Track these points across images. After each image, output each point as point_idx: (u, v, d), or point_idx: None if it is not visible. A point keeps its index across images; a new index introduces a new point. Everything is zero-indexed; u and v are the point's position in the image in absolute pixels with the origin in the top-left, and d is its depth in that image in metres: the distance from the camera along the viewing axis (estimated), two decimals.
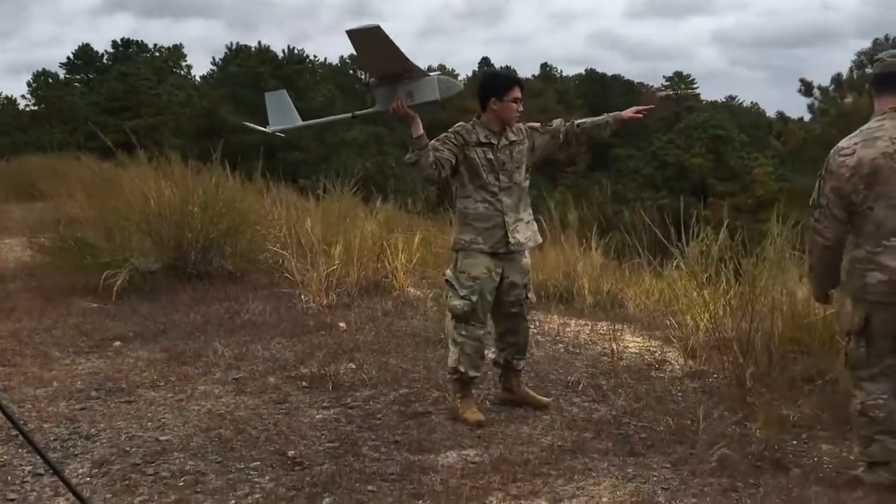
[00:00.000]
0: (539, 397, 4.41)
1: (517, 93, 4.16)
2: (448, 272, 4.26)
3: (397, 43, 4.14)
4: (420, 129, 4.06)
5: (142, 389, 4.64)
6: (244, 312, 6.42)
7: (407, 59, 4.20)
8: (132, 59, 52.00)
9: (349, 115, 4.99)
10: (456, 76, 59.13)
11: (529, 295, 4.32)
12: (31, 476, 3.39)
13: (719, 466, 3.49)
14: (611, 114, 4.42)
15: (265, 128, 4.81)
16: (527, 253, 4.32)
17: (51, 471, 2.57)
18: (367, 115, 4.70)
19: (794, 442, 3.83)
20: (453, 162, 4.10)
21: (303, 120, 4.93)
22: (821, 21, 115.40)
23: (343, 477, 3.39)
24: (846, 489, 3.31)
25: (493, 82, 4.25)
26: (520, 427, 4.07)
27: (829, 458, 3.65)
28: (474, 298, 4.12)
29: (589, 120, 4.41)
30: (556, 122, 4.41)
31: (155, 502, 3.18)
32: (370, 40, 4.21)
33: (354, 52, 4.16)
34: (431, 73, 4.36)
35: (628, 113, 4.42)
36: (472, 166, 4.12)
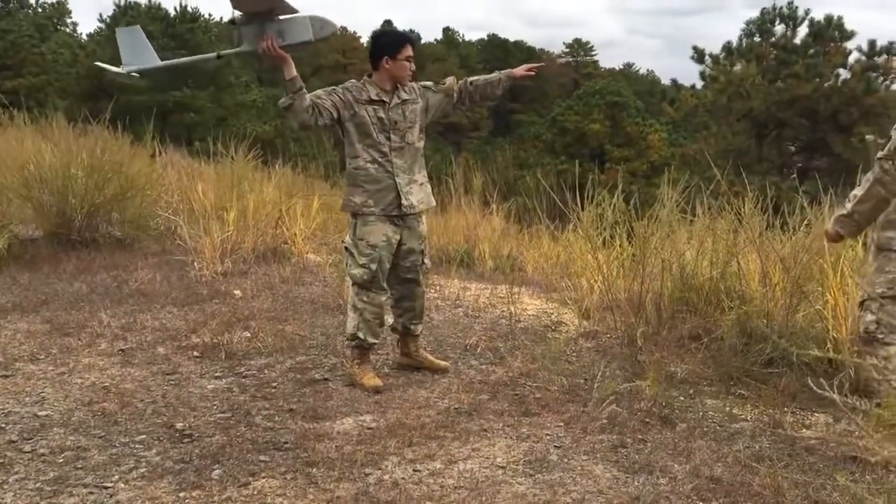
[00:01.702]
0: (437, 361, 4.42)
1: (409, 51, 4.08)
2: (347, 239, 4.19)
3: None
4: (293, 71, 3.93)
5: (20, 363, 4.39)
6: (133, 281, 6.17)
7: None
8: (12, 15, 48.94)
9: (213, 54, 4.69)
10: (357, 38, 58.24)
11: (425, 261, 4.30)
12: None
13: (609, 423, 3.58)
14: (503, 71, 4.38)
15: (119, 68, 4.47)
16: (423, 219, 4.28)
17: None
18: (234, 54, 4.44)
19: (682, 398, 3.96)
20: (334, 114, 3.99)
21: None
22: None
23: (234, 448, 3.30)
24: (729, 442, 3.44)
25: (384, 40, 4.13)
26: (417, 391, 4.06)
27: (714, 413, 3.79)
28: (373, 267, 4.07)
29: (482, 77, 4.37)
30: (449, 80, 4.34)
31: (32, 480, 3.01)
32: None
33: None
34: (303, 12, 4.17)
35: (520, 71, 4.38)
36: (362, 124, 4.03)
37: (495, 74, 4.38)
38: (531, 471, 3.15)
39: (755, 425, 3.64)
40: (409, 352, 4.42)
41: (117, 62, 4.71)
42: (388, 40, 4.12)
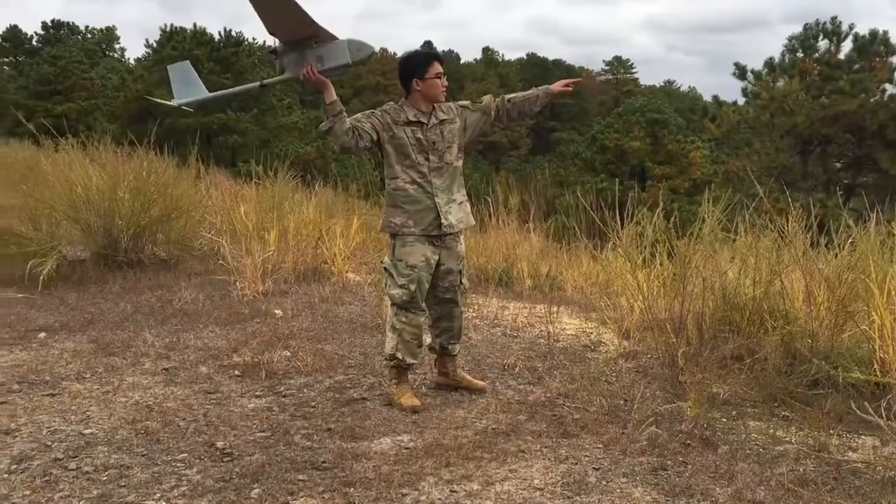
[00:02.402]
0: (475, 381, 4.41)
1: (438, 68, 4.09)
2: (386, 260, 4.21)
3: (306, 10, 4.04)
4: (333, 96, 3.99)
5: (66, 382, 4.48)
6: (176, 301, 6.27)
7: (314, 22, 4.10)
8: (63, 41, 50.43)
9: (257, 83, 4.86)
10: (398, 59, 58.82)
11: (463, 281, 4.29)
12: None
13: (649, 445, 3.53)
14: (541, 87, 4.39)
15: (171, 101, 4.66)
16: (462, 239, 4.28)
17: None
18: (276, 82, 4.59)
19: (724, 420, 3.89)
20: (374, 137, 4.02)
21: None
22: (748, 7, 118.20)
23: (273, 466, 3.33)
24: (772, 465, 3.38)
25: (410, 63, 4.12)
26: (455, 411, 4.05)
27: (757, 435, 3.72)
28: (412, 287, 4.07)
29: (519, 94, 4.36)
30: (486, 99, 4.36)
31: (76, 498, 3.07)
32: (271, 5, 4.09)
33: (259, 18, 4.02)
34: (340, 37, 4.24)
35: (557, 86, 4.38)
36: (401, 146, 4.06)
37: (533, 91, 4.38)
38: (569, 493, 3.12)
39: (799, 448, 3.56)
40: (447, 371, 4.41)
41: (167, 86, 4.87)
42: (415, 62, 4.13)
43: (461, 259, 4.25)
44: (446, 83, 4.12)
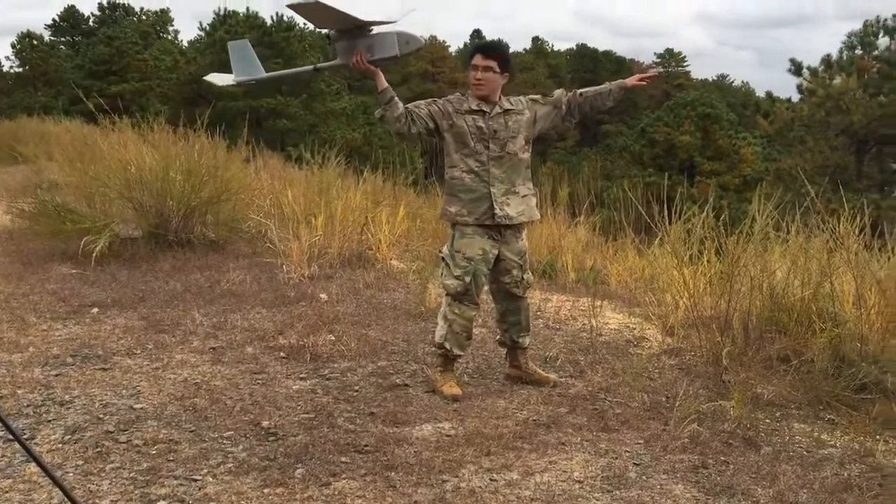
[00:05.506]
0: (546, 375, 4.38)
1: (476, 59, 4.10)
2: (444, 249, 4.20)
3: (358, 9, 4.09)
4: (383, 83, 4.03)
5: (118, 357, 4.61)
6: (224, 282, 6.38)
7: (358, 20, 4.15)
8: (118, 22, 51.32)
9: (311, 67, 4.93)
10: (447, 47, 58.71)
11: (525, 276, 4.26)
12: (1, 442, 3.37)
13: (691, 443, 3.51)
14: (614, 82, 4.33)
15: (230, 78, 4.76)
16: (524, 234, 4.25)
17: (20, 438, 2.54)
18: (329, 67, 4.67)
19: (767, 420, 3.86)
20: (429, 124, 4.05)
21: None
22: (801, 4, 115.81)
23: (317, 448, 3.39)
24: (815, 468, 3.34)
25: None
26: (496, 401, 4.08)
27: (801, 438, 3.68)
28: (468, 279, 4.08)
29: (591, 89, 4.32)
30: (558, 93, 4.32)
31: (126, 469, 3.16)
32: (315, 12, 4.15)
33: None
34: (390, 29, 4.28)
35: (632, 81, 4.32)
36: (460, 134, 4.06)
37: (606, 85, 4.34)
38: (609, 487, 3.13)
39: (844, 452, 3.51)
40: (518, 364, 4.39)
41: (218, 69, 4.95)
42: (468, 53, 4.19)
43: (522, 254, 4.22)
44: (479, 76, 4.07)
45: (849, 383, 4.09)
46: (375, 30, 4.26)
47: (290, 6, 4.14)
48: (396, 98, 4.02)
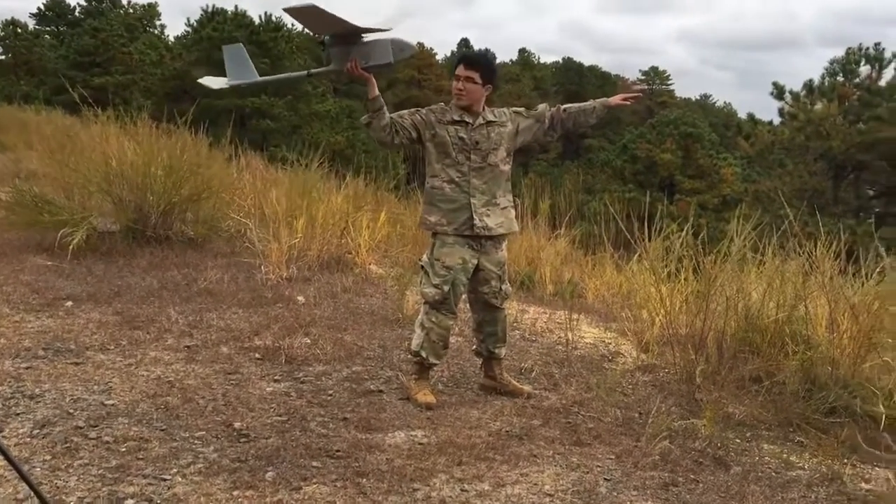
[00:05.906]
0: (521, 386, 4.40)
1: (459, 69, 4.12)
2: (424, 257, 4.21)
3: (347, 13, 4.09)
4: (375, 91, 4.04)
5: (91, 351, 4.56)
6: (202, 280, 6.34)
7: (355, 26, 4.16)
8: (105, 14, 50.89)
9: (304, 72, 4.96)
10: (433, 55, 58.81)
11: (504, 287, 4.27)
12: None
13: (662, 460, 3.54)
14: (598, 100, 4.37)
15: (223, 81, 4.74)
16: (503, 246, 4.26)
17: None
18: (323, 73, 4.69)
19: (738, 440, 3.89)
20: (412, 134, 4.07)
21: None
22: (783, 28, 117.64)
23: (288, 451, 3.37)
24: (783, 490, 3.37)
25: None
26: (470, 411, 4.08)
27: (770, 459, 3.72)
28: (446, 288, 4.08)
29: (575, 105, 4.35)
30: (541, 107, 4.35)
31: (95, 466, 3.13)
32: (310, 16, 4.15)
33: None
34: (384, 36, 4.30)
35: (616, 100, 4.37)
36: (442, 144, 4.07)
37: (590, 102, 4.37)
38: (579, 501, 3.14)
39: (812, 475, 3.55)
40: (493, 375, 4.40)
41: (205, 66, 4.94)
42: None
43: (501, 265, 4.23)
44: (460, 86, 4.08)
45: (819, 406, 4.13)
46: (370, 37, 4.26)
47: (287, 10, 4.14)
48: (385, 108, 4.03)
